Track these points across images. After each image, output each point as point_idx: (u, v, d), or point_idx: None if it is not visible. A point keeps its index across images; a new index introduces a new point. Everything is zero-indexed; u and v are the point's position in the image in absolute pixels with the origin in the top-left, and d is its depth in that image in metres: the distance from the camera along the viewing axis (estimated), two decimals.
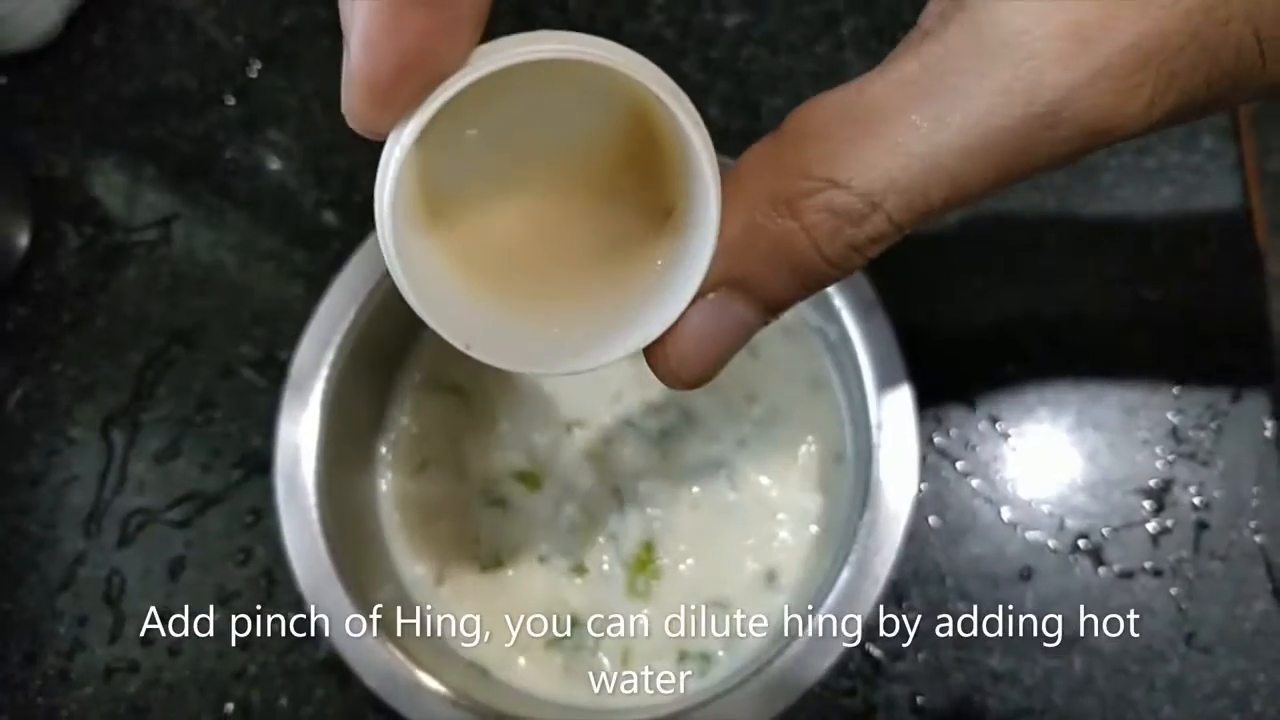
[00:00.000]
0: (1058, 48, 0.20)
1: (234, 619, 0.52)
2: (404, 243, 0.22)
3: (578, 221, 0.25)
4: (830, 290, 0.43)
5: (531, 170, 0.25)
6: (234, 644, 0.51)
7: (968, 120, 0.21)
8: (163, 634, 0.52)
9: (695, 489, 0.47)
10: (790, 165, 0.22)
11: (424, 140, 0.21)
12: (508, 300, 0.25)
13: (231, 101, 0.61)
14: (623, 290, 0.25)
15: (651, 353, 0.24)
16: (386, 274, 0.44)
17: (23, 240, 0.59)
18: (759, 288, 0.23)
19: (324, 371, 0.44)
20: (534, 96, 0.23)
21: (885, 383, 0.43)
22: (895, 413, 0.42)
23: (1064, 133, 0.21)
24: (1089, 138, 0.22)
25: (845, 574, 0.40)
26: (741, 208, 0.23)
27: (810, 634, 0.40)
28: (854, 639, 0.40)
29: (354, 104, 0.20)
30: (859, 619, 0.39)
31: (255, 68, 0.61)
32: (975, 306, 0.53)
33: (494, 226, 0.25)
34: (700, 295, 0.23)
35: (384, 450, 0.49)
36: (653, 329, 0.23)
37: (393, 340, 0.49)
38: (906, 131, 0.21)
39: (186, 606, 0.52)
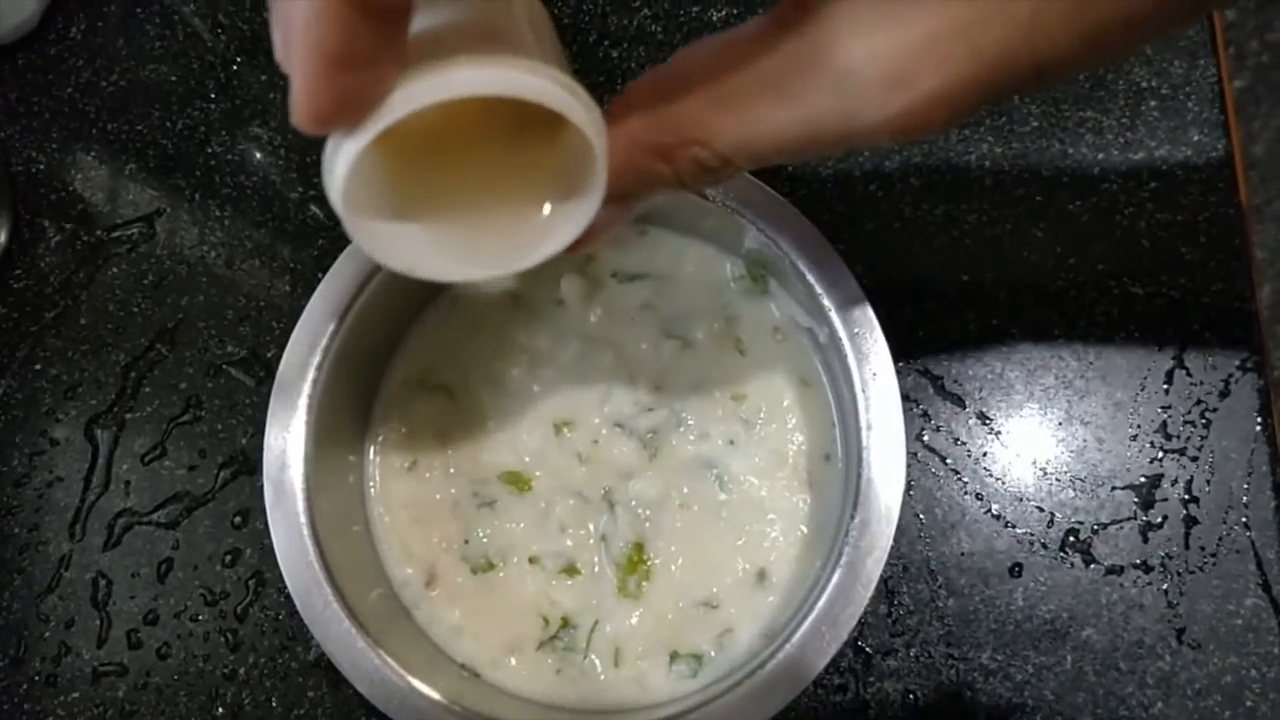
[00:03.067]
0: (877, 93, 0.27)
1: (223, 621, 0.51)
2: (358, 207, 0.28)
3: (499, 164, 0.31)
4: (820, 291, 0.43)
5: (462, 130, 0.30)
6: (223, 646, 0.51)
7: (803, 117, 0.28)
8: (151, 636, 0.52)
9: (685, 489, 0.47)
10: (668, 124, 0.29)
11: None
12: (446, 231, 0.31)
13: (214, 95, 0.60)
14: (534, 219, 0.31)
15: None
16: (372, 275, 0.44)
17: (2, 237, 0.58)
18: (634, 199, 0.32)
19: (310, 374, 0.44)
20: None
21: (874, 383, 0.42)
22: (884, 413, 0.42)
23: (875, 140, 0.28)
24: (893, 141, 0.28)
25: (837, 576, 0.40)
26: (627, 148, 0.30)
27: (802, 636, 0.39)
28: (846, 641, 0.40)
29: (299, 124, 0.25)
30: (851, 621, 0.39)
31: (237, 61, 0.60)
32: (962, 303, 0.53)
33: (433, 179, 0.31)
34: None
35: (372, 452, 0.49)
36: (561, 242, 0.31)
37: (379, 341, 0.49)
38: (758, 113, 0.28)
39: (175, 608, 0.52)
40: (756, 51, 0.28)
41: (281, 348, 0.45)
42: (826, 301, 0.43)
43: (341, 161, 0.26)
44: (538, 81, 0.26)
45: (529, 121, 0.28)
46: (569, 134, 0.28)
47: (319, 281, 0.45)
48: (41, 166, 0.60)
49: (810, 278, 0.43)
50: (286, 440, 0.43)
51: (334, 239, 0.56)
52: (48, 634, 0.52)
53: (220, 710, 0.50)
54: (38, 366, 0.56)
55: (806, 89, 0.27)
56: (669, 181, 0.31)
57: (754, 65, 0.28)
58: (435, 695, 0.41)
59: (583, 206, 0.30)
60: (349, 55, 0.23)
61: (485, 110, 0.29)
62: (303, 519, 0.42)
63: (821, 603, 0.39)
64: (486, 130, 0.31)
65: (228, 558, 0.52)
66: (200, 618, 0.52)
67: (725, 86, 0.29)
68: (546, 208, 0.31)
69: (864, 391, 0.42)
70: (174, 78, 0.60)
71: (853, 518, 0.40)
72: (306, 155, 0.58)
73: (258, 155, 0.59)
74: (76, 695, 0.51)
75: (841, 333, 0.43)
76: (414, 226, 0.31)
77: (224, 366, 0.55)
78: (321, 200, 0.57)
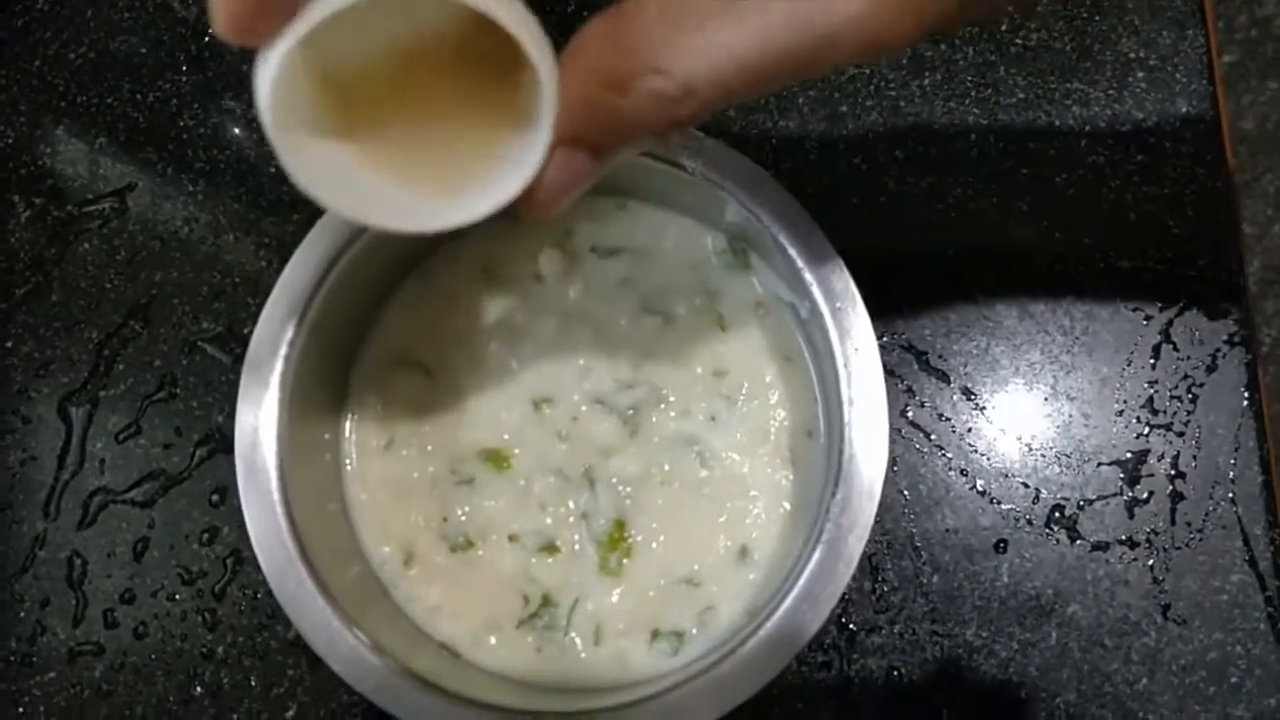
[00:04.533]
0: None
1: (201, 600, 0.51)
2: (297, 144, 0.27)
3: (449, 106, 0.30)
4: (802, 265, 0.43)
5: (406, 63, 0.29)
6: (201, 625, 0.51)
7: (766, 34, 0.26)
8: (128, 616, 0.51)
9: (666, 465, 0.46)
10: (622, 47, 0.27)
11: (300, 47, 0.25)
12: (396, 178, 0.30)
13: (185, 68, 0.59)
14: (485, 160, 0.30)
15: (518, 200, 0.30)
16: (346, 247, 0.43)
17: None
18: (594, 144, 0.29)
19: (283, 350, 0.43)
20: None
21: (856, 358, 0.42)
22: (866, 388, 0.41)
23: (841, 51, 0.27)
24: (861, 55, 0.27)
25: (818, 554, 0.39)
26: (581, 81, 0.28)
27: (784, 614, 0.39)
28: (830, 618, 0.40)
29: (220, 34, 0.24)
30: (833, 599, 0.39)
31: (209, 33, 0.59)
32: (947, 277, 0.52)
33: (381, 118, 0.30)
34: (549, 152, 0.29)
35: (348, 429, 0.48)
36: (514, 187, 0.29)
37: (354, 317, 0.48)
38: (717, 36, 0.27)
39: (152, 587, 0.51)
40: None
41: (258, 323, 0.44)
42: (808, 276, 0.42)
43: (264, 72, 0.25)
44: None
45: (485, 65, 0.28)
46: (524, 75, 0.27)
47: (290, 262, 0.45)
48: (10, 141, 0.58)
49: (792, 251, 0.43)
50: (259, 417, 0.42)
51: (310, 214, 0.54)
52: (23, 614, 0.52)
53: (199, 689, 0.50)
54: (9, 344, 0.55)
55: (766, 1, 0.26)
56: (629, 120, 0.28)
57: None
58: (413, 674, 0.40)
59: (534, 144, 0.28)
60: None
61: (436, 50, 0.29)
62: (276, 497, 0.42)
63: (803, 581, 0.39)
64: (438, 74, 0.30)
65: (205, 536, 0.52)
66: (178, 596, 0.51)
67: (680, 6, 0.27)
68: (501, 155, 0.30)
69: (846, 367, 0.41)
70: (144, 49, 0.59)
71: (834, 495, 0.40)
72: None
73: (232, 129, 0.58)
74: (53, 675, 0.51)
75: (823, 307, 0.42)
76: (359, 166, 0.30)
77: (199, 343, 0.54)
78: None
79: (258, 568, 0.50)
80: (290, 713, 0.49)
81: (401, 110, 0.30)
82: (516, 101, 0.29)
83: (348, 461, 0.48)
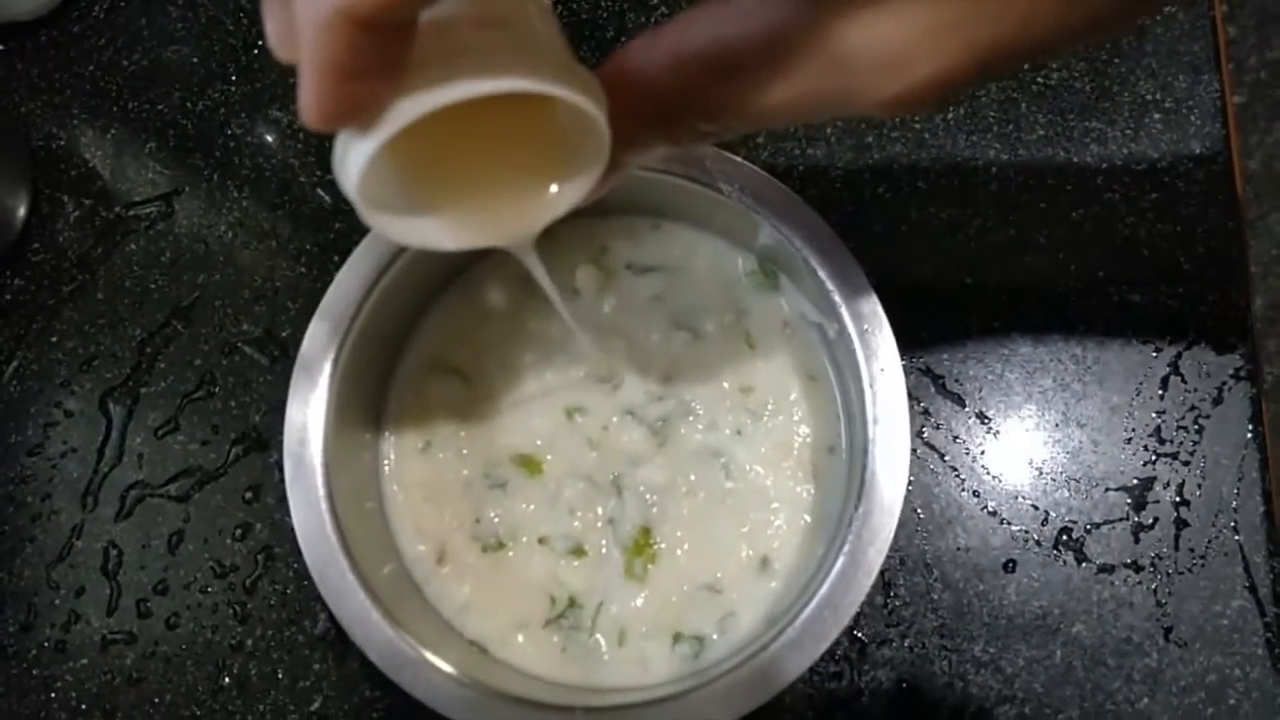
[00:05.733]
0: (875, 77, 0.28)
1: (232, 593, 0.52)
2: (371, 197, 0.30)
3: (502, 135, 0.32)
4: (831, 287, 0.44)
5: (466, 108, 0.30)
6: (232, 618, 0.52)
7: (802, 92, 0.29)
8: (160, 606, 0.52)
9: (692, 476, 0.48)
10: (673, 99, 0.30)
11: None
12: (454, 202, 0.33)
13: (234, 78, 0.61)
14: (538, 186, 0.33)
15: None
16: (394, 258, 0.45)
17: (21, 210, 0.59)
18: (634, 164, 0.32)
19: (331, 353, 0.45)
20: None
21: (881, 378, 0.43)
22: (890, 408, 0.43)
23: (869, 114, 0.29)
24: (887, 116, 0.30)
25: (839, 564, 0.41)
26: (628, 121, 0.30)
27: (805, 619, 0.41)
28: (844, 629, 0.41)
29: (308, 125, 0.25)
30: (853, 607, 0.40)
31: (258, 45, 0.61)
32: (965, 304, 0.54)
33: (439, 154, 0.32)
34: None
35: (388, 431, 0.50)
36: (563, 209, 0.33)
37: (398, 324, 0.50)
38: (759, 87, 0.29)
39: (184, 580, 0.53)
40: (757, 27, 0.29)
41: (296, 328, 0.46)
42: (837, 297, 0.44)
43: (353, 164, 0.27)
44: (542, 79, 0.26)
45: (531, 96, 0.29)
46: (571, 108, 0.29)
47: (334, 264, 0.46)
48: (62, 142, 0.60)
49: (822, 274, 0.44)
50: (307, 416, 0.44)
51: (350, 223, 0.57)
52: (58, 601, 0.53)
53: (227, 680, 0.51)
54: (54, 339, 0.57)
55: (807, 67, 0.28)
56: (671, 147, 0.32)
57: (755, 41, 0.29)
58: (447, 668, 0.42)
59: (586, 177, 0.31)
60: (354, 68, 0.24)
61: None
62: (321, 493, 0.43)
63: (824, 588, 0.41)
64: (489, 105, 0.33)
65: (238, 531, 0.53)
66: (209, 589, 0.53)
67: (727, 60, 0.29)
68: (552, 185, 0.33)
69: (871, 386, 0.43)
70: (195, 59, 0.61)
71: (857, 508, 0.42)
72: (324, 140, 0.58)
73: (276, 139, 0.60)
74: (85, 662, 0.52)
75: (851, 328, 0.44)
76: (424, 203, 0.32)
77: (239, 345, 0.56)
78: (336, 185, 0.57)
79: (288, 564, 0.53)
80: (315, 706, 0.51)
81: (451, 139, 0.32)
82: (557, 116, 0.31)
83: (386, 462, 0.49)
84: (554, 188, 0.33)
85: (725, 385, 0.49)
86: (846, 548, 0.41)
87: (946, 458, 0.52)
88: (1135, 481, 0.51)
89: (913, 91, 0.28)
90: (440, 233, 0.33)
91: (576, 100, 0.27)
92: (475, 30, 0.27)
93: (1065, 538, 0.51)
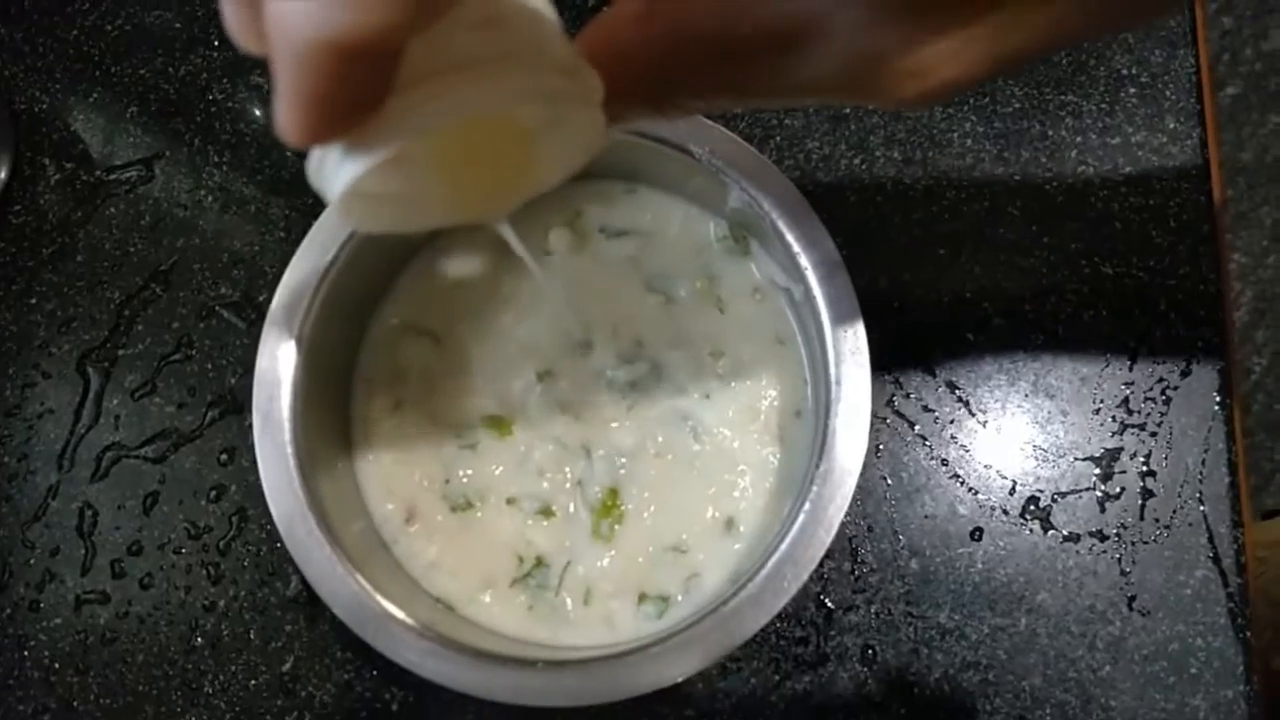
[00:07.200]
0: (898, 80, 0.28)
1: (205, 554, 0.53)
2: (351, 204, 0.29)
3: (488, 130, 0.32)
4: (798, 250, 0.45)
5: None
6: (205, 578, 0.52)
7: (809, 82, 0.28)
8: (134, 567, 0.53)
9: (660, 439, 0.48)
10: (665, 79, 0.29)
11: None
12: (432, 185, 0.32)
13: (216, 44, 0.61)
14: (521, 166, 0.32)
15: None
16: None
17: (2, 173, 0.59)
18: (615, 135, 0.31)
19: (302, 311, 0.45)
20: None
21: (845, 342, 0.44)
22: (853, 368, 0.43)
23: (875, 106, 0.29)
24: (893, 110, 0.30)
25: (800, 519, 0.41)
26: (619, 99, 0.28)
27: (766, 575, 0.41)
28: (810, 596, 0.41)
29: (291, 140, 0.23)
30: (812, 562, 0.41)
31: None
32: (937, 275, 0.54)
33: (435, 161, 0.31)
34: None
35: (360, 391, 0.50)
36: (547, 185, 0.33)
37: (370, 285, 0.50)
38: (764, 75, 0.28)
39: (159, 540, 0.53)
40: (775, 14, 0.27)
41: (273, 292, 0.46)
42: (804, 260, 0.45)
43: (337, 180, 0.25)
44: (541, 96, 0.26)
45: None
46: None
47: (312, 229, 0.47)
48: (44, 106, 0.61)
49: (789, 236, 0.45)
50: (276, 372, 0.44)
51: None
52: (33, 561, 0.53)
53: (199, 640, 0.52)
54: (33, 301, 0.57)
55: (827, 62, 0.27)
56: (650, 119, 0.31)
57: (764, 24, 0.27)
58: (410, 622, 0.42)
59: (573, 160, 0.31)
60: (338, 98, 0.22)
61: None
62: (289, 449, 0.44)
63: (785, 544, 0.41)
64: None
65: (212, 493, 0.54)
66: (183, 550, 0.53)
67: (735, 44, 0.28)
68: (532, 165, 0.32)
69: (835, 347, 0.43)
70: (178, 24, 0.62)
71: (818, 466, 0.42)
72: None
73: (257, 105, 0.60)
74: (59, 621, 0.52)
75: (817, 291, 0.44)
76: (399, 186, 0.31)
77: (216, 308, 0.56)
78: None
79: (261, 525, 0.53)
80: (287, 666, 0.51)
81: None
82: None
83: (357, 421, 0.50)
84: (534, 167, 0.32)
85: (695, 349, 0.49)
86: (807, 505, 0.42)
87: (916, 426, 0.52)
88: (1102, 451, 0.52)
89: (929, 93, 0.28)
90: (416, 214, 0.32)
91: (577, 115, 0.27)
92: (468, 35, 0.25)
93: (1032, 507, 0.51)
